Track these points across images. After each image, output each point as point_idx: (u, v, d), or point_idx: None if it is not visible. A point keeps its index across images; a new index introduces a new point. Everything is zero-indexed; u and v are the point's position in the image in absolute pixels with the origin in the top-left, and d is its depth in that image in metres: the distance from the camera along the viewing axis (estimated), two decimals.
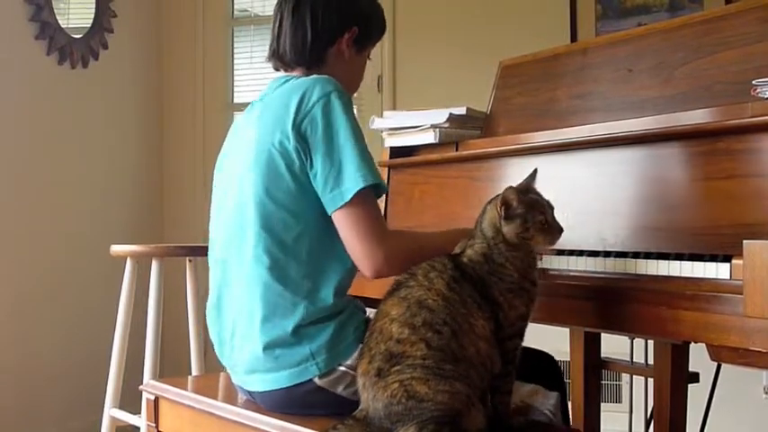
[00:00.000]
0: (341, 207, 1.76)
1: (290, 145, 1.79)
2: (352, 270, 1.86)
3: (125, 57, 4.75)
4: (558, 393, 1.95)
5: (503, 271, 1.66)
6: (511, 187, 1.67)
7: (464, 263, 1.67)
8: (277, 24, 2.00)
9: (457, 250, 1.73)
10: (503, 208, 1.66)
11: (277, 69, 2.04)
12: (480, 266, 1.66)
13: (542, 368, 2.01)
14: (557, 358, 2.14)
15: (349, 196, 1.74)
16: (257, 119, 1.90)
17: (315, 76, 1.89)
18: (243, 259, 1.85)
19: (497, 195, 1.69)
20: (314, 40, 1.96)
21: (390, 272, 1.74)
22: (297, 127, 1.79)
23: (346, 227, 1.77)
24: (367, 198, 1.77)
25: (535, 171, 1.76)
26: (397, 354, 1.58)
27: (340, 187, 1.75)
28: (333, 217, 1.78)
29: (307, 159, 1.78)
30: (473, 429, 1.58)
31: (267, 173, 1.81)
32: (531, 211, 1.66)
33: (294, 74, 1.98)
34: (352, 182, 1.74)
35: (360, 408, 1.64)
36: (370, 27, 2.06)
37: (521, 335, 1.68)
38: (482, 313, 1.62)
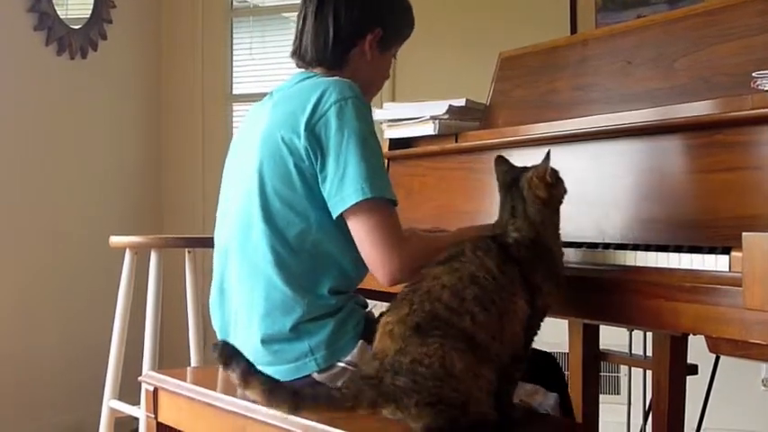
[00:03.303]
0: (350, 213, 1.74)
1: (301, 144, 1.77)
2: (355, 270, 1.85)
3: (124, 48, 4.75)
4: (558, 395, 1.94)
5: (551, 256, 1.68)
6: (542, 166, 1.70)
7: (510, 244, 1.67)
8: (300, 22, 1.98)
9: (487, 233, 1.72)
10: (544, 180, 1.69)
11: (299, 67, 2.02)
12: (527, 250, 1.66)
13: (543, 368, 2.00)
14: (556, 350, 2.14)
15: (350, 203, 1.72)
16: (271, 111, 1.89)
17: (337, 78, 1.87)
18: (247, 252, 1.85)
19: (524, 175, 1.71)
20: (335, 42, 1.94)
21: (406, 280, 1.70)
22: (311, 127, 1.77)
23: (360, 234, 1.75)
24: (377, 207, 1.74)
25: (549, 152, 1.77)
26: (443, 318, 1.56)
27: (342, 193, 1.73)
28: (347, 223, 1.76)
29: (317, 161, 1.77)
30: (481, 414, 1.58)
31: (275, 169, 1.80)
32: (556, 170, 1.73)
33: (316, 71, 1.97)
34: (355, 191, 1.72)
35: (372, 352, 1.61)
36: (395, 28, 2.04)
37: (542, 322, 1.70)
38: (524, 294, 1.62)
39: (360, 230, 1.75)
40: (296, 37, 1.99)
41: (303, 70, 2.00)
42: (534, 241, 1.67)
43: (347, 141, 1.74)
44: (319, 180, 1.77)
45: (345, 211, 1.74)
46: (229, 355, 1.56)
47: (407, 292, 1.64)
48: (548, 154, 1.72)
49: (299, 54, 1.99)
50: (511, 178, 1.74)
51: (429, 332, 1.55)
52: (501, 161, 1.80)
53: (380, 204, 1.74)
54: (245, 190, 1.87)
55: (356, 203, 1.72)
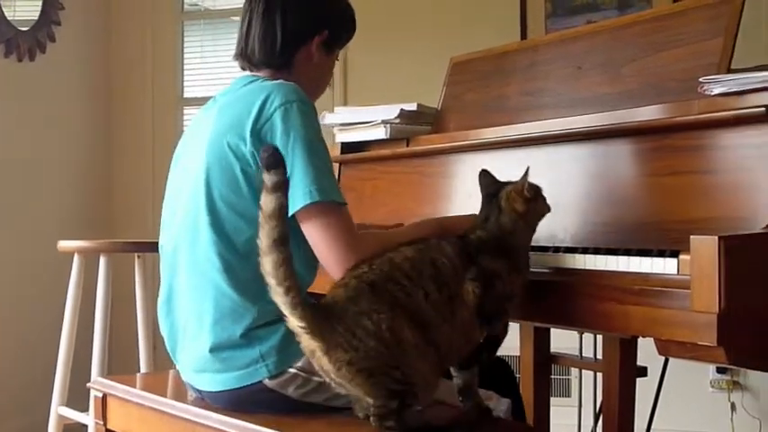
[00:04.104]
0: (302, 216, 1.72)
1: (247, 149, 1.76)
2: (306, 272, 1.83)
3: (73, 50, 4.69)
4: (510, 400, 1.94)
5: (515, 253, 1.70)
6: (521, 182, 1.72)
7: (472, 240, 1.69)
8: (246, 23, 1.96)
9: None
10: (521, 194, 1.71)
11: (243, 69, 2.01)
12: (490, 243, 1.68)
13: (496, 374, 2.01)
14: (507, 354, 2.15)
15: (299, 206, 1.70)
16: (216, 117, 1.87)
17: (281, 81, 1.85)
18: (195, 259, 1.83)
19: (504, 189, 1.73)
20: (283, 43, 1.93)
21: None
22: (257, 132, 1.76)
23: (314, 237, 1.74)
24: (328, 209, 1.73)
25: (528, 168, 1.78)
26: (399, 283, 1.58)
27: (290, 196, 1.70)
28: (300, 226, 1.74)
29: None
30: (425, 402, 1.60)
31: (222, 175, 1.79)
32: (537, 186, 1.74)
33: (260, 74, 1.95)
34: (303, 194, 1.70)
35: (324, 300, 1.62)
36: (341, 29, 2.04)
37: (507, 314, 1.71)
38: (475, 277, 1.63)
39: (313, 233, 1.74)
40: (241, 39, 1.98)
41: (247, 73, 1.99)
42: (498, 239, 1.69)
43: (293, 145, 1.74)
44: None
45: (297, 213, 1.73)
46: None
47: (368, 257, 1.66)
48: (527, 170, 1.73)
49: (245, 56, 1.97)
50: (493, 191, 1.76)
51: (383, 291, 1.57)
52: (484, 175, 1.81)
53: (331, 206, 1.74)
54: (191, 197, 1.85)
55: (305, 206, 1.71)
